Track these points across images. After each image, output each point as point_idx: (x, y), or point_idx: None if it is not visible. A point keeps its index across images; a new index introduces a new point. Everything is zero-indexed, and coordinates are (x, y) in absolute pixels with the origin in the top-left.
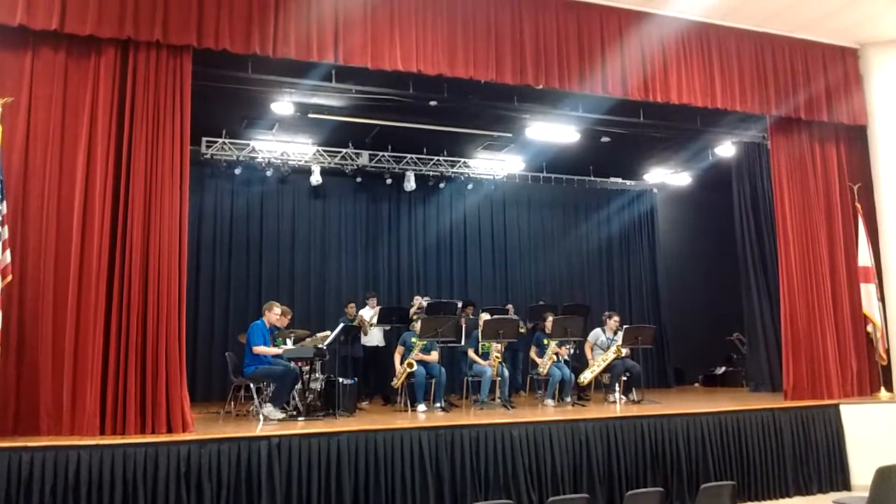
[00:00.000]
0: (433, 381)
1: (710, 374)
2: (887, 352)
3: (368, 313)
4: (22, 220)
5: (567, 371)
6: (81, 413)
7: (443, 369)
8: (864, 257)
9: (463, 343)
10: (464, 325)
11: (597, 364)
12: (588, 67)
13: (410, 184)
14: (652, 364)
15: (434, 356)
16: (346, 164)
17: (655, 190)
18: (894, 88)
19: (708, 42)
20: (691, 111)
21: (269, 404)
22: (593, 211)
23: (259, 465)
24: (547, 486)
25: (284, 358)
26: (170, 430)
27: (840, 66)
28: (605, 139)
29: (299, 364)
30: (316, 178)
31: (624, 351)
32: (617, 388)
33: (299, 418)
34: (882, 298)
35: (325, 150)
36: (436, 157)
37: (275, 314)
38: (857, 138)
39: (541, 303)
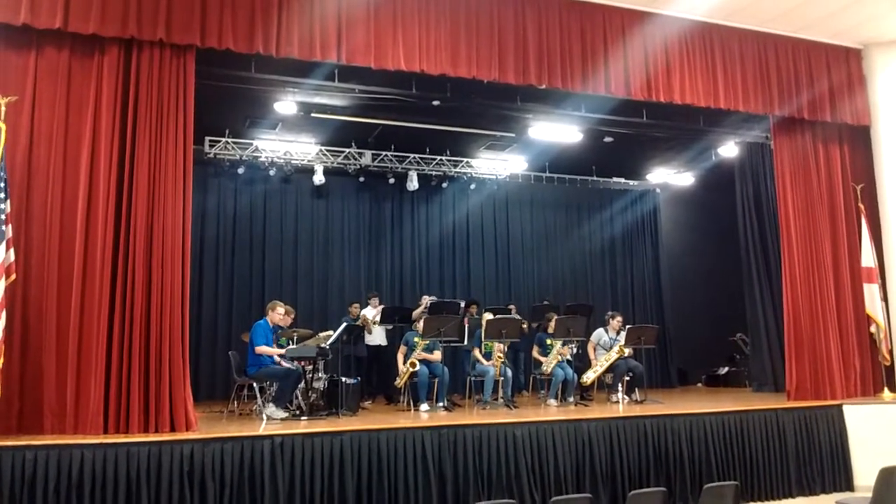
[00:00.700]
0: (436, 380)
1: (713, 375)
2: (890, 352)
3: (371, 313)
4: (26, 218)
5: (570, 371)
6: (85, 412)
7: (445, 369)
8: (868, 258)
9: (466, 342)
10: (467, 325)
11: (600, 364)
12: (591, 67)
13: (413, 183)
14: (655, 364)
15: (437, 356)
16: (349, 164)
17: (658, 190)
18: None
19: (711, 42)
20: (694, 111)
21: (271, 404)
22: (596, 211)
23: (262, 464)
24: (550, 485)
25: (287, 357)
26: (173, 429)
27: (843, 66)
28: (607, 139)
29: (302, 363)
30: (319, 178)
31: (627, 351)
32: (620, 388)
33: (302, 418)
34: (885, 299)
35: (328, 150)
36: (439, 157)
37: (278, 314)
38: (860, 139)
39: (544, 303)
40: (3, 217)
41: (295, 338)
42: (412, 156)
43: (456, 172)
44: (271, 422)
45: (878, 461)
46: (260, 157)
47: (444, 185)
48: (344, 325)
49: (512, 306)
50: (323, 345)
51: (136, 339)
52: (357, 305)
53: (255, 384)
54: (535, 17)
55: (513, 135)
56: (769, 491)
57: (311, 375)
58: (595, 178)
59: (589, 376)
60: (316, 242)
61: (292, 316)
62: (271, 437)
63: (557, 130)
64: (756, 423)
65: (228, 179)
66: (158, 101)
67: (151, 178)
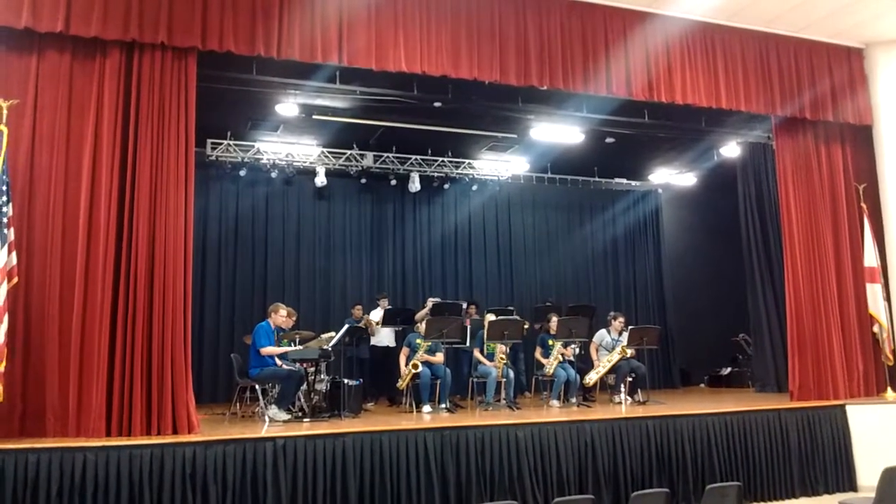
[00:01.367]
0: (438, 382)
1: (716, 375)
2: (893, 352)
3: (379, 314)
4: (28, 222)
5: (572, 372)
6: (87, 414)
7: (448, 370)
8: (870, 257)
9: (468, 344)
10: (468, 326)
11: (602, 365)
12: (592, 68)
13: (415, 185)
14: (657, 365)
15: (439, 357)
16: (351, 166)
17: (660, 190)
18: None
19: (713, 42)
20: (696, 111)
21: (274, 405)
22: (598, 212)
23: (264, 466)
24: (552, 486)
25: (290, 359)
26: (175, 432)
27: (845, 66)
28: (609, 140)
29: (304, 365)
30: (321, 180)
31: (629, 352)
32: (622, 389)
33: (304, 419)
34: (888, 298)
35: (329, 152)
36: (440, 159)
37: (280, 316)
38: (862, 138)
39: (546, 303)
40: (5, 220)
41: (297, 340)
42: (414, 157)
43: (458, 174)
44: (274, 424)
45: (881, 461)
46: (262, 159)
47: (446, 186)
48: (346, 326)
49: (510, 308)
50: (325, 346)
51: (139, 341)
52: (360, 307)
53: (257, 386)
54: (536, 17)
55: (514, 136)
56: (772, 491)
57: (313, 377)
58: (597, 179)
59: (591, 377)
60: (318, 244)
61: (294, 318)
62: (273, 439)
63: (559, 131)
64: (759, 423)
65: (230, 181)
66: (160, 103)
67: (153, 181)
